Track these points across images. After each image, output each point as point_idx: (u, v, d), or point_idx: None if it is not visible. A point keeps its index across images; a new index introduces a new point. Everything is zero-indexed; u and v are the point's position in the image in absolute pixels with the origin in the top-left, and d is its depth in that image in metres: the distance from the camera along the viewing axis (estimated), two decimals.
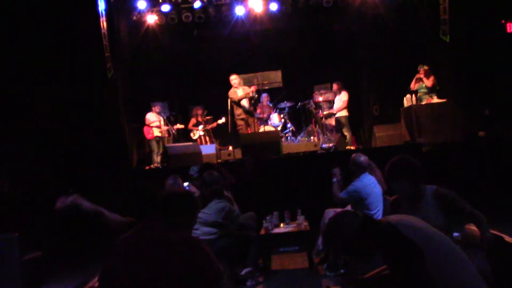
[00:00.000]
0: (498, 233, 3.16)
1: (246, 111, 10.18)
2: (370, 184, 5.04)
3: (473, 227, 3.32)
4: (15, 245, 5.36)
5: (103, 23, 8.91)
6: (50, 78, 8.44)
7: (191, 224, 2.84)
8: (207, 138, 11.24)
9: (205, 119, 11.30)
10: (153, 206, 2.79)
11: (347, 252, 2.62)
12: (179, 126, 10.99)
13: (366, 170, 5.18)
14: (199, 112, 11.30)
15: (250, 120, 10.27)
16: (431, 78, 9.45)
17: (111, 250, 2.55)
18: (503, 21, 8.86)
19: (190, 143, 9.57)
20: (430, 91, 9.44)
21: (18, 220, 6.80)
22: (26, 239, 5.60)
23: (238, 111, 10.14)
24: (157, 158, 10.46)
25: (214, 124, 11.09)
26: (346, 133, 10.34)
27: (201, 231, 4.78)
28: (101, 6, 8.90)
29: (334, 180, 5.29)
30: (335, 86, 10.70)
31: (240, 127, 10.18)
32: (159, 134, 10.67)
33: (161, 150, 10.50)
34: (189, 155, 8.75)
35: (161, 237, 2.50)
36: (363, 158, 5.21)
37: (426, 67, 9.52)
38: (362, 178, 5.11)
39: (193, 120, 11.35)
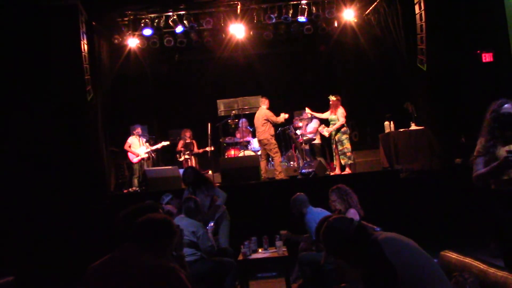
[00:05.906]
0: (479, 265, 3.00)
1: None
2: (320, 213, 5.05)
3: (449, 254, 3.33)
4: None
5: (84, 46, 8.85)
6: (29, 100, 8.34)
7: (167, 251, 2.69)
8: (193, 161, 11.15)
9: (192, 142, 11.24)
10: (129, 232, 2.65)
11: (337, 254, 2.73)
12: (164, 143, 10.81)
13: (307, 204, 5.35)
14: (187, 134, 11.21)
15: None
16: (338, 109, 9.17)
17: (84, 277, 2.50)
18: (478, 51, 9.09)
19: (169, 167, 9.49)
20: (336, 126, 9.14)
21: None
22: None
23: (273, 132, 9.93)
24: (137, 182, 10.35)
25: (201, 150, 11.07)
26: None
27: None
28: (82, 28, 8.84)
29: (301, 242, 5.51)
30: (305, 115, 10.46)
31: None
32: (145, 156, 10.57)
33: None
34: (168, 178, 8.69)
35: (135, 263, 2.45)
36: (301, 196, 5.42)
37: (334, 98, 9.27)
38: (308, 212, 5.23)
39: (181, 142, 11.27)
